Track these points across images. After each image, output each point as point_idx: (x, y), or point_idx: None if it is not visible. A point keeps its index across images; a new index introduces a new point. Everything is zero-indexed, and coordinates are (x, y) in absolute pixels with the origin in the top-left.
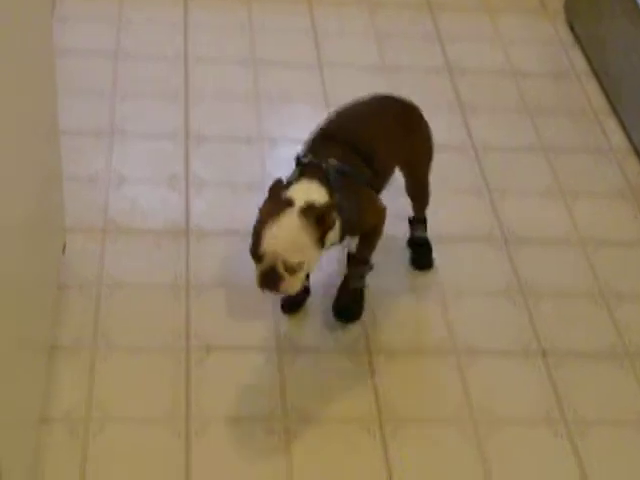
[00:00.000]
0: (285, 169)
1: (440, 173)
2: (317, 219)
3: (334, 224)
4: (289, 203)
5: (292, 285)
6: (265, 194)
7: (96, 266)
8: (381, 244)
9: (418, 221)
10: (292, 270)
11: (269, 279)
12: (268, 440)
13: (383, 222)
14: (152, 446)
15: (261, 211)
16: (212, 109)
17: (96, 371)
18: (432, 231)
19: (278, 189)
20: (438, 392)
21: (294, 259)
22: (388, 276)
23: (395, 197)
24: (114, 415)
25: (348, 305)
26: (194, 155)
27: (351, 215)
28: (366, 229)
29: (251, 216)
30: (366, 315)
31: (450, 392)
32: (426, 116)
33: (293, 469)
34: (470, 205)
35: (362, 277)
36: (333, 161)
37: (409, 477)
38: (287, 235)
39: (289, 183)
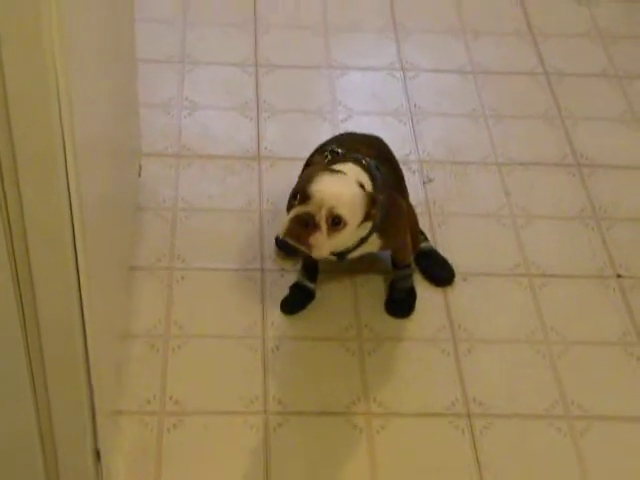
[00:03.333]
0: (354, 97)
1: (512, 99)
2: (370, 198)
3: (376, 216)
4: (340, 172)
5: (322, 242)
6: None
7: (171, 190)
8: None
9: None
10: (332, 224)
11: (303, 225)
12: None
13: (406, 236)
14: (230, 359)
15: (309, 171)
16: (281, 38)
17: (173, 292)
18: (504, 157)
19: (322, 160)
20: (512, 314)
21: (342, 211)
22: (462, 199)
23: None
24: (192, 333)
25: (399, 303)
26: (264, 82)
27: (381, 216)
28: (391, 241)
29: (316, 139)
30: (437, 239)
31: (524, 314)
32: (495, 42)
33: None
34: (542, 131)
35: (408, 277)
36: (369, 159)
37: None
38: (343, 187)
39: (330, 162)
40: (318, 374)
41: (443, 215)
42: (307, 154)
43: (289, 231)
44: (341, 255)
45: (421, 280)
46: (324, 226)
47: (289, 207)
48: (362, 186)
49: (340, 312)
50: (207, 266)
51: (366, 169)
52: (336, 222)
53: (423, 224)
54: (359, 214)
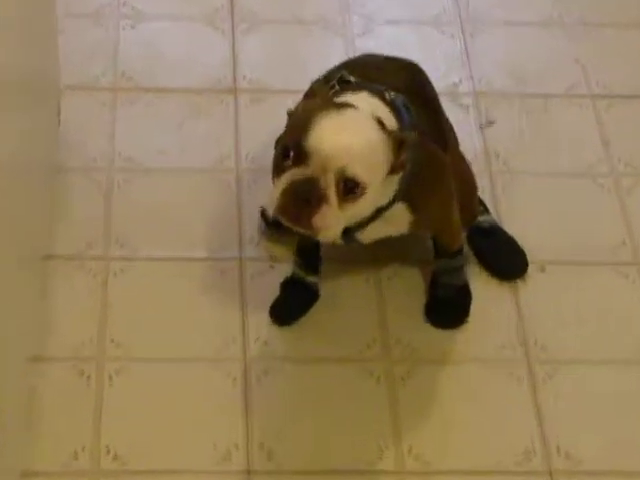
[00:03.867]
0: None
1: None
2: (397, 140)
3: (406, 167)
4: (350, 106)
5: (333, 220)
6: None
7: (105, 141)
8: None
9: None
10: (344, 190)
11: (302, 197)
12: None
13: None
14: (195, 395)
15: (302, 110)
16: None
17: (109, 292)
18: (600, 86)
19: (324, 91)
20: (615, 322)
21: (357, 170)
22: (537, 151)
23: None
24: (137, 354)
25: (445, 307)
26: None
27: (412, 176)
28: (427, 217)
29: (321, 63)
30: (501, 210)
31: (634, 321)
32: None
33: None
34: None
35: (458, 270)
36: (394, 93)
37: None
38: (355, 131)
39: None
40: (327, 417)
41: (510, 174)
42: (306, 85)
43: (283, 208)
44: (347, 234)
45: (478, 272)
46: (333, 196)
47: (278, 170)
48: (381, 123)
49: (358, 320)
50: (159, 254)
51: (388, 104)
52: (350, 187)
53: (482, 189)
54: (382, 167)
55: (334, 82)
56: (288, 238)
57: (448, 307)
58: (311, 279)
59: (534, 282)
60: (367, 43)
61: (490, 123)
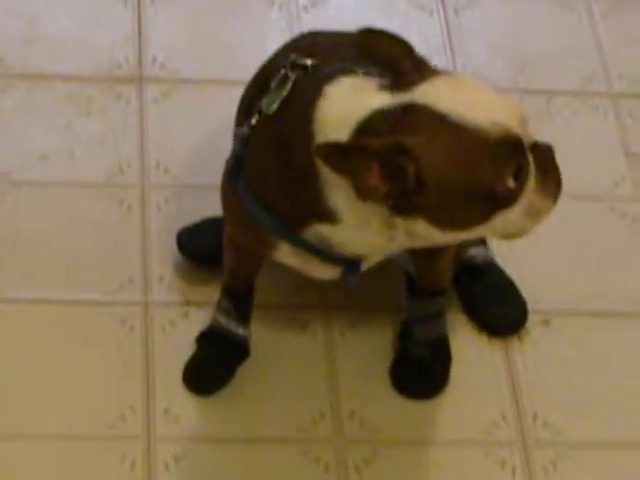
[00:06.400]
0: None
1: None
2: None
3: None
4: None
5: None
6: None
7: None
8: None
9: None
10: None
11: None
12: None
13: None
14: None
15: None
16: None
17: None
18: (626, 79)
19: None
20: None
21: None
22: None
23: None
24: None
25: (417, 369)
26: None
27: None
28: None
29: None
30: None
31: None
32: None
33: None
34: None
35: (437, 317)
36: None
37: None
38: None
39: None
40: None
41: None
42: (239, 73)
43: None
44: (351, 268)
45: (464, 323)
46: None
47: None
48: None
49: (301, 387)
50: (34, 295)
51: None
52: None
53: None
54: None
55: (286, 69)
56: (209, 274)
57: (422, 369)
58: (240, 332)
59: (536, 340)
60: (317, 19)
61: None
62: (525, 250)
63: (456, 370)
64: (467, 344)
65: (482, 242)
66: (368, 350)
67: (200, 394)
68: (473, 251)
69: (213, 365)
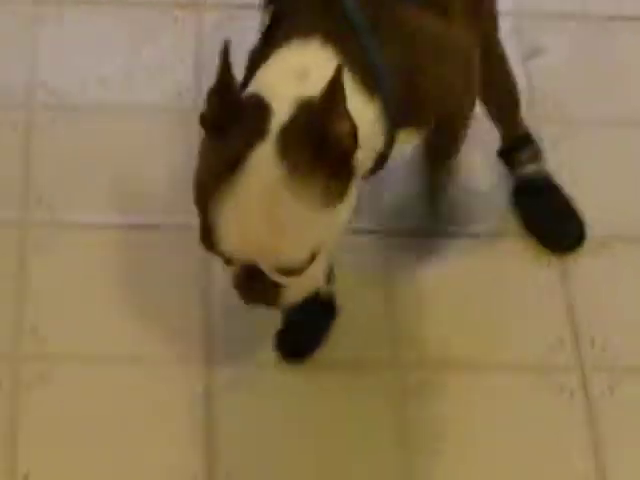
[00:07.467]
0: None
1: None
2: (318, 140)
3: (354, 128)
4: (260, 125)
5: (297, 291)
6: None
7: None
8: None
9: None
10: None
11: (251, 286)
12: None
13: (472, 88)
14: None
15: (202, 159)
16: None
17: None
18: None
19: (228, 87)
20: None
21: (291, 252)
22: (601, 92)
23: None
24: None
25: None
26: None
27: (403, 80)
28: (441, 105)
29: None
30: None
31: None
32: None
33: None
34: None
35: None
36: None
37: None
38: (265, 216)
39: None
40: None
41: (563, 122)
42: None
43: (246, 299)
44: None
45: (522, 249)
46: (281, 278)
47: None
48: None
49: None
50: (95, 220)
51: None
52: (294, 269)
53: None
54: (318, 204)
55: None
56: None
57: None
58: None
59: (593, 262)
60: None
61: (537, 52)
62: (580, 175)
63: (516, 296)
64: (526, 270)
65: (536, 156)
66: None
67: (294, 361)
68: (530, 168)
69: (303, 330)
